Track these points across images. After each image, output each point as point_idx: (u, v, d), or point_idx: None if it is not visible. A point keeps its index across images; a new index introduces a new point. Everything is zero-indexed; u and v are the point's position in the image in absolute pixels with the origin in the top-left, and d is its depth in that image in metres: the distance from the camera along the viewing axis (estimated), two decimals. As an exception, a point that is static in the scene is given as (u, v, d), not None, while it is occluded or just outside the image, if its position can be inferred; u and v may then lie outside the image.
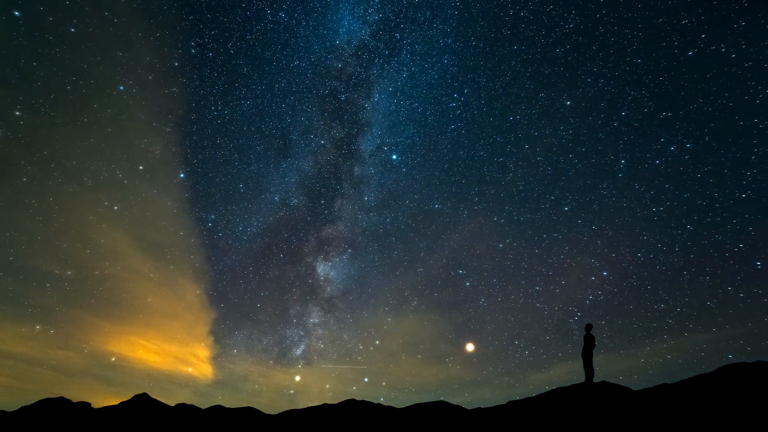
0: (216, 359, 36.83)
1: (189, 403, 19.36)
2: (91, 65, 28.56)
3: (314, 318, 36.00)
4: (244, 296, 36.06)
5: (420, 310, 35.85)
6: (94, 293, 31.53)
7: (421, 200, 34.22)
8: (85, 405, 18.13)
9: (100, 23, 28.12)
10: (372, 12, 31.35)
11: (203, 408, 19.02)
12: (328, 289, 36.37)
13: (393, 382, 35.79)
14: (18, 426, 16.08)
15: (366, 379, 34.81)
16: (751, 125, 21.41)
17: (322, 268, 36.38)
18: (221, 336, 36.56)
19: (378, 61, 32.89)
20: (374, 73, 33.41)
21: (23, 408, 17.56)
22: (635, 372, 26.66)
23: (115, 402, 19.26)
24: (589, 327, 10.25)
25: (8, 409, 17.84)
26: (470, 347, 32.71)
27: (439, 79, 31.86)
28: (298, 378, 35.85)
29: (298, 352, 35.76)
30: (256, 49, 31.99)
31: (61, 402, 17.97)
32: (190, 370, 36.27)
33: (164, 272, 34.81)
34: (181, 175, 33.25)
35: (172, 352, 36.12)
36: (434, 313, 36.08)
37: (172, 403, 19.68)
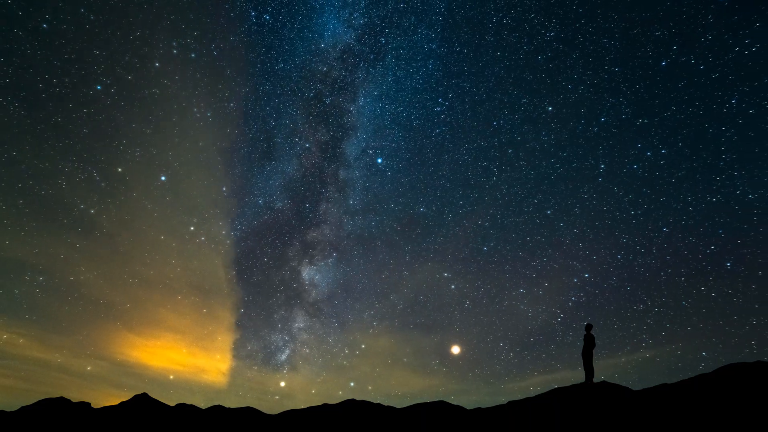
0: (197, 365, 36.67)
1: (189, 403, 19.39)
2: (65, 63, 27.43)
3: (299, 323, 35.81)
4: (227, 301, 35.95)
5: (406, 313, 35.86)
6: (68, 299, 30.84)
7: (406, 204, 34.47)
8: (85, 405, 18.14)
9: (75, 20, 27.04)
10: (357, 16, 31.34)
11: (203, 408, 19.04)
12: (313, 293, 36.16)
13: (380, 387, 35.81)
14: (18, 426, 16.09)
15: (352, 384, 34.81)
16: (719, 133, 23.06)
17: (307, 272, 36.15)
18: (201, 342, 36.31)
19: (363, 64, 32.87)
20: (359, 77, 33.37)
21: (23, 408, 17.57)
22: (616, 371, 27.50)
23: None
24: (589, 327, 10.25)
25: (8, 409, 17.86)
26: (456, 350, 32.98)
27: (423, 83, 32.18)
28: (283, 384, 35.68)
29: (283, 357, 35.56)
30: (240, 51, 31.66)
31: (61, 402, 17.98)
32: (171, 377, 35.94)
33: (144, 277, 34.01)
34: (162, 178, 32.25)
35: (158, 353, 35.81)
36: (420, 316, 36.14)
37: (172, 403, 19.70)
